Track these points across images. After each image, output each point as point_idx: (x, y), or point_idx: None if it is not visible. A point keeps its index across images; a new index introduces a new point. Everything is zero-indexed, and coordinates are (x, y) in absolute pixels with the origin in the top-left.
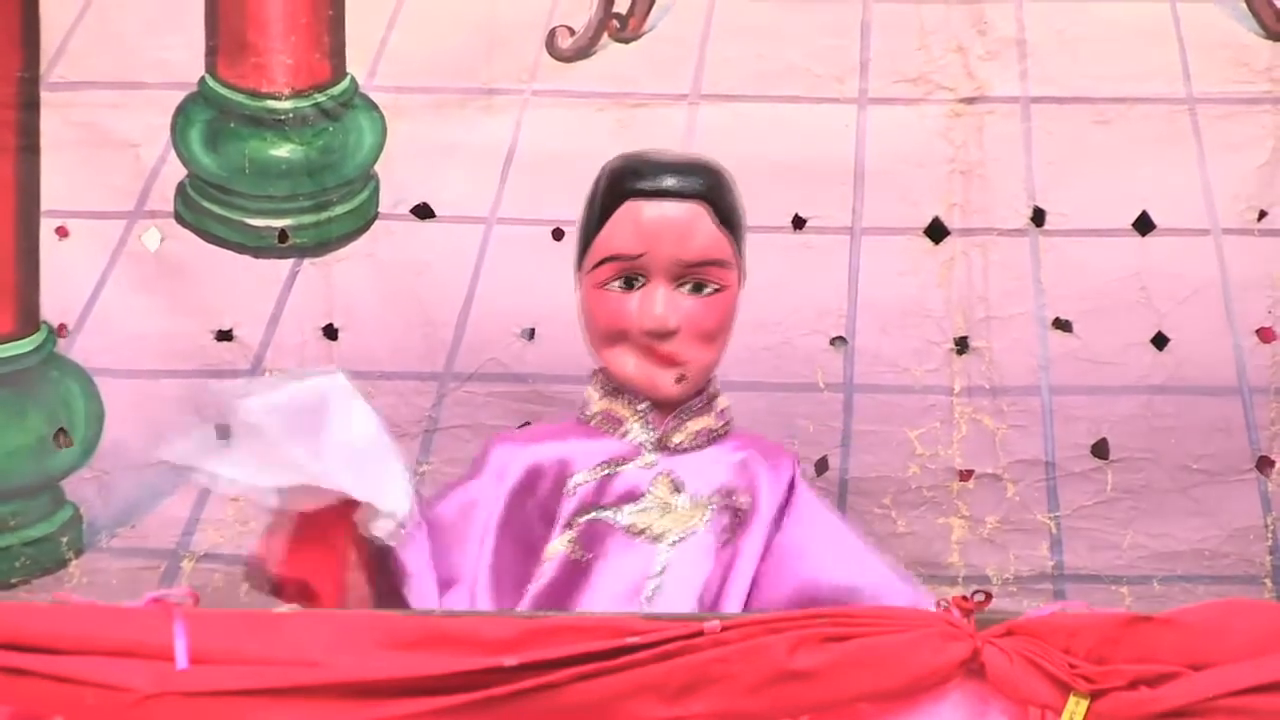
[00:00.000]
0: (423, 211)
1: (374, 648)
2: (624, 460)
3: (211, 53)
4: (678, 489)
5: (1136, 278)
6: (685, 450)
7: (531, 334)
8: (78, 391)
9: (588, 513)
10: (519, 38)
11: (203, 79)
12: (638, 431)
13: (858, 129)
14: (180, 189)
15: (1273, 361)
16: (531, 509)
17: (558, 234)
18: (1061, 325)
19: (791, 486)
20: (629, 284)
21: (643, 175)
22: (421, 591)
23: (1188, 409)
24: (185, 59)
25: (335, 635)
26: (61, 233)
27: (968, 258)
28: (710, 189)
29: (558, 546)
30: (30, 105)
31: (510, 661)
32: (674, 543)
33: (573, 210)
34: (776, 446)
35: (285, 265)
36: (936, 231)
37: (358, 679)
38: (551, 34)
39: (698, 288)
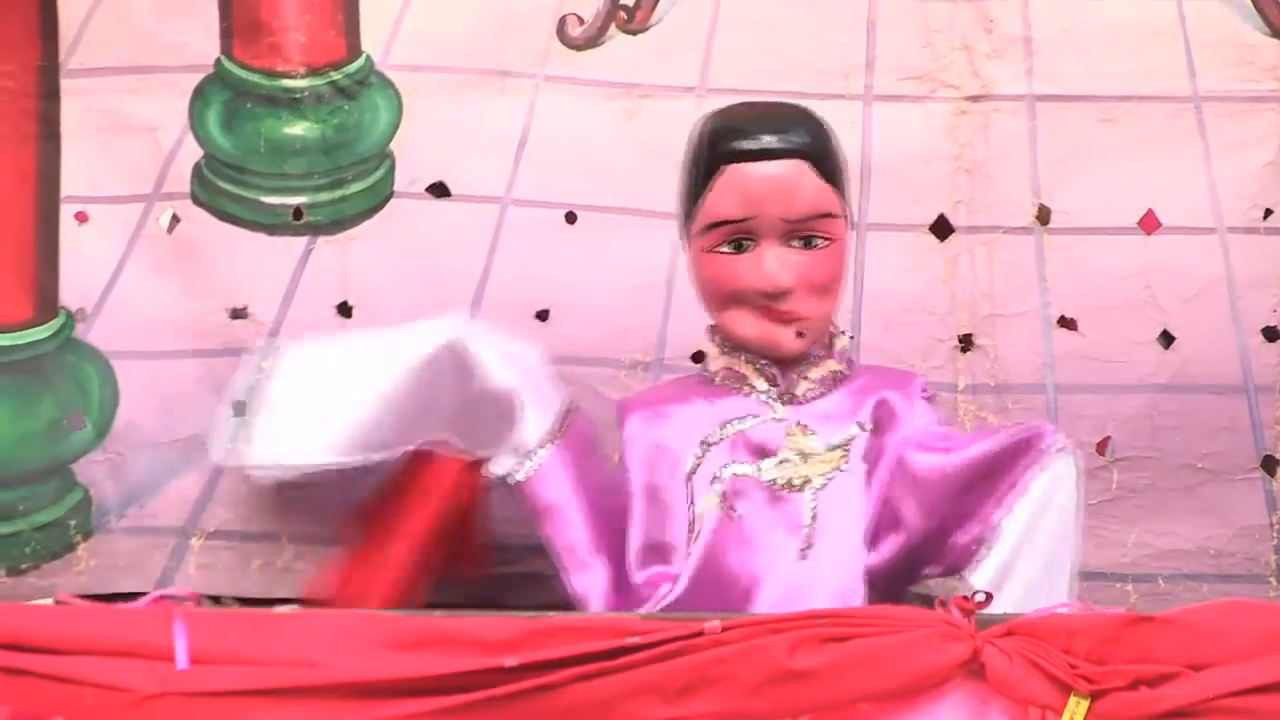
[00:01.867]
0: (439, 190)
1: (374, 648)
2: (754, 415)
3: (226, 34)
4: (812, 436)
5: (1142, 276)
6: (812, 399)
7: (545, 315)
8: (94, 375)
9: (727, 469)
10: (531, 22)
11: (219, 60)
12: (763, 388)
13: (863, 126)
14: (196, 170)
15: (1278, 360)
16: (667, 471)
17: (571, 217)
18: (1066, 323)
19: (919, 408)
20: (738, 246)
21: (741, 136)
22: (569, 528)
23: (1193, 408)
24: (201, 41)
25: (335, 635)
26: (81, 218)
27: (972, 255)
28: (810, 143)
29: (710, 502)
30: (51, 94)
31: (510, 661)
32: (819, 489)
33: (586, 196)
34: (901, 372)
35: (300, 243)
36: (942, 228)
37: (358, 679)
38: (562, 21)
39: (807, 243)
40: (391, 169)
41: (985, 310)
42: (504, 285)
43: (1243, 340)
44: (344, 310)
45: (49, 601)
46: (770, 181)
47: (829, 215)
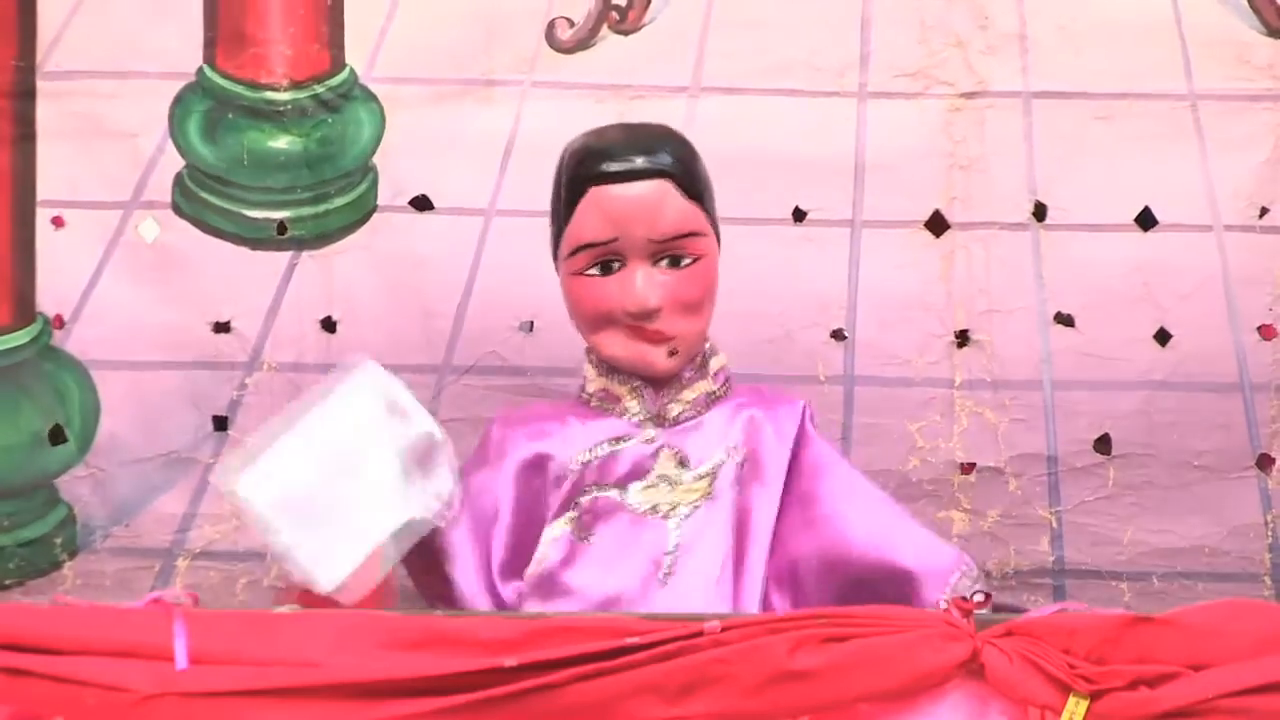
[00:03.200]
0: (421, 203)
1: (374, 648)
2: (625, 438)
3: (210, 43)
4: (682, 463)
5: (1138, 273)
6: (686, 420)
7: (531, 326)
8: (74, 384)
9: (590, 492)
10: (518, 28)
11: (201, 69)
12: (635, 409)
13: (857, 123)
14: (178, 180)
15: (1274, 359)
16: (539, 488)
17: None
18: (1063, 320)
19: (802, 435)
20: (606, 268)
21: (603, 159)
22: (467, 571)
23: (1189, 405)
24: (183, 49)
25: (335, 635)
26: (58, 223)
27: (968, 251)
28: (673, 163)
29: (559, 528)
30: (26, 94)
31: (510, 662)
32: (685, 517)
33: None
34: (779, 394)
35: (284, 257)
36: (937, 225)
37: (358, 679)
38: (551, 25)
39: (675, 261)
40: (375, 182)
41: (982, 306)
42: (489, 297)
43: (1239, 337)
44: (328, 325)
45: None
46: (633, 203)
47: (695, 234)
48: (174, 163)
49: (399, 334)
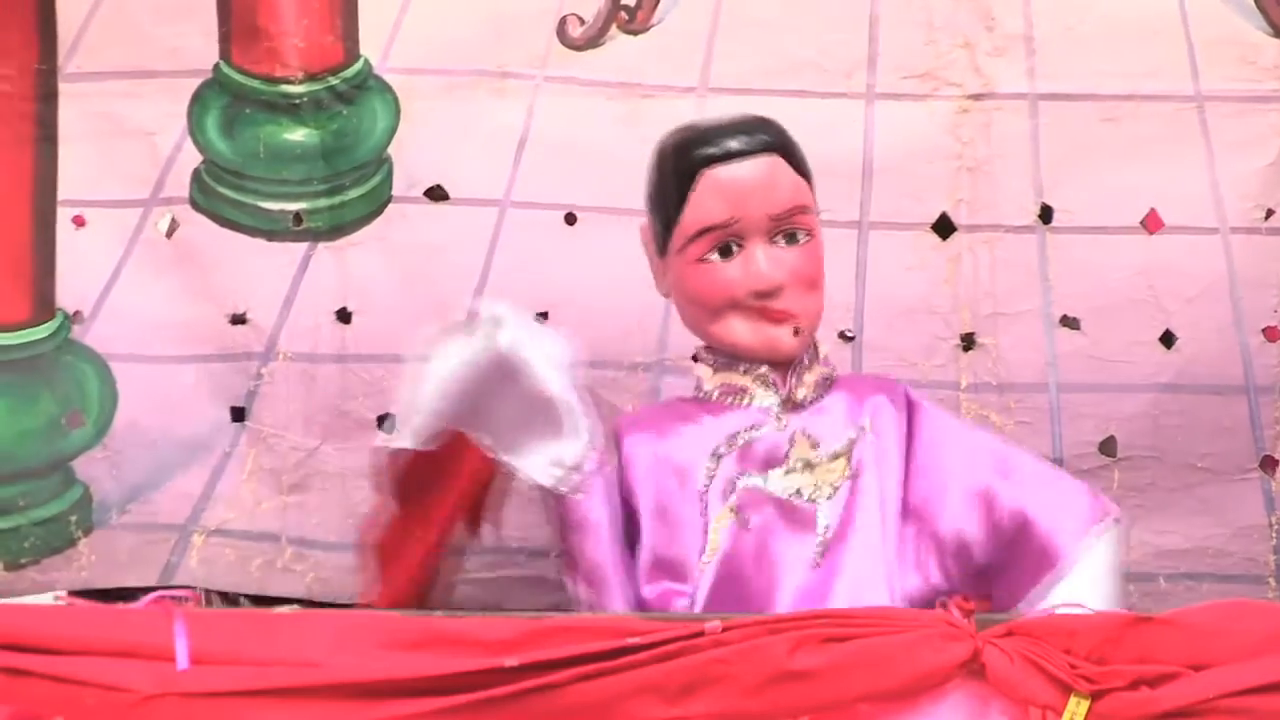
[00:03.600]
0: (436, 194)
1: (374, 648)
2: (757, 427)
3: (225, 39)
4: (816, 444)
5: (1144, 275)
6: (810, 404)
7: (545, 318)
8: (92, 375)
9: (739, 482)
10: (531, 24)
11: (217, 65)
12: (762, 396)
13: (865, 124)
14: (195, 175)
15: (1279, 361)
16: (675, 487)
17: (570, 219)
18: (1069, 323)
19: (910, 409)
20: (725, 252)
21: (710, 142)
22: (601, 545)
23: (1195, 408)
24: (199, 46)
25: (336, 636)
26: (78, 222)
27: (975, 254)
28: (778, 139)
29: (724, 519)
30: (48, 97)
31: (511, 662)
32: (829, 498)
33: (585, 197)
34: (882, 378)
35: (299, 249)
36: (944, 227)
37: (358, 679)
38: (562, 22)
39: (791, 238)
40: (390, 174)
41: (987, 309)
42: (503, 288)
43: (1244, 340)
44: (343, 316)
45: (50, 596)
46: (749, 180)
47: (807, 209)
48: (192, 159)
49: (414, 324)
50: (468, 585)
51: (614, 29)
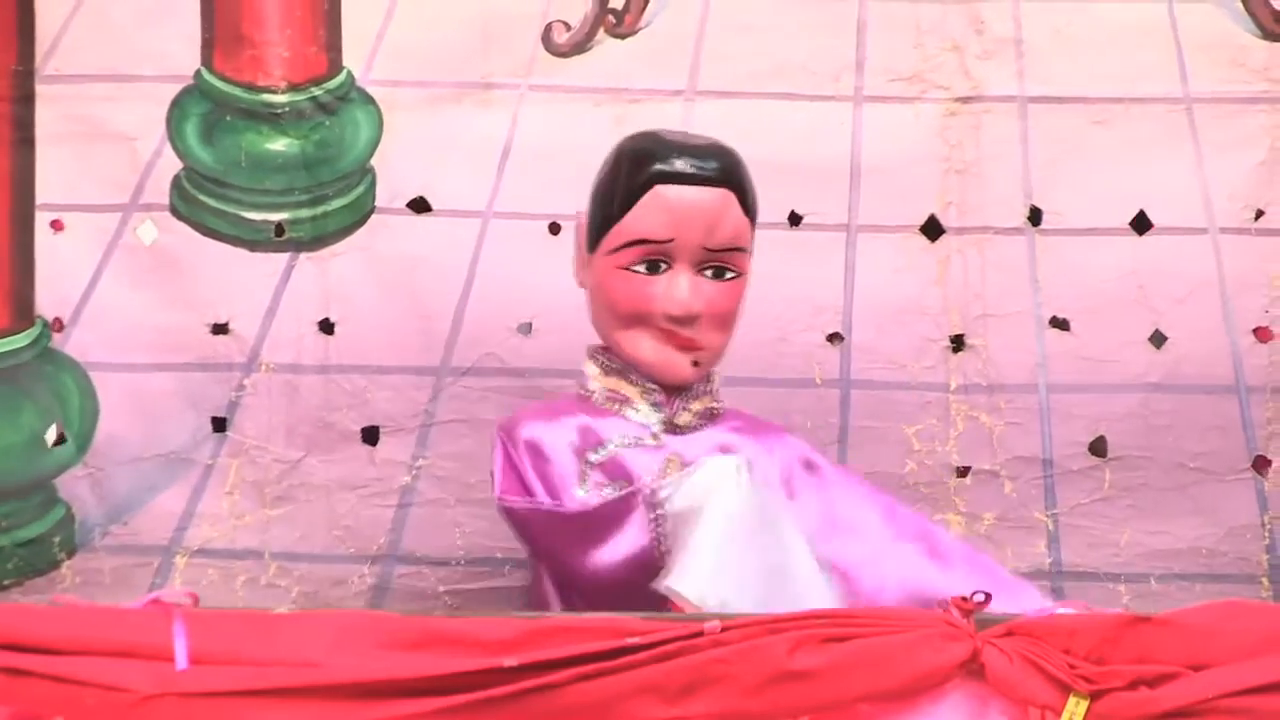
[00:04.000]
0: (419, 205)
1: (374, 648)
2: (634, 440)
3: (207, 45)
4: (685, 468)
5: (1134, 276)
6: (689, 430)
7: (529, 328)
8: (73, 386)
9: (598, 489)
10: (515, 32)
11: (199, 72)
12: (646, 412)
13: (853, 127)
14: (176, 182)
15: (1269, 361)
16: (561, 477)
17: (554, 228)
18: (1058, 323)
19: (808, 464)
20: (652, 268)
21: (672, 159)
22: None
23: (1185, 408)
24: (181, 52)
25: (335, 636)
26: (57, 226)
27: (964, 256)
28: (736, 175)
29: (585, 492)
30: (25, 99)
31: (510, 662)
32: None
33: (570, 205)
34: (768, 424)
35: (282, 259)
36: (933, 229)
37: (357, 679)
38: (548, 29)
39: (719, 273)
40: (372, 185)
41: (977, 311)
42: (486, 299)
43: (1234, 340)
44: (325, 327)
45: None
46: (698, 207)
47: (743, 250)
48: (172, 165)
49: (396, 335)
50: (453, 596)
51: (601, 33)
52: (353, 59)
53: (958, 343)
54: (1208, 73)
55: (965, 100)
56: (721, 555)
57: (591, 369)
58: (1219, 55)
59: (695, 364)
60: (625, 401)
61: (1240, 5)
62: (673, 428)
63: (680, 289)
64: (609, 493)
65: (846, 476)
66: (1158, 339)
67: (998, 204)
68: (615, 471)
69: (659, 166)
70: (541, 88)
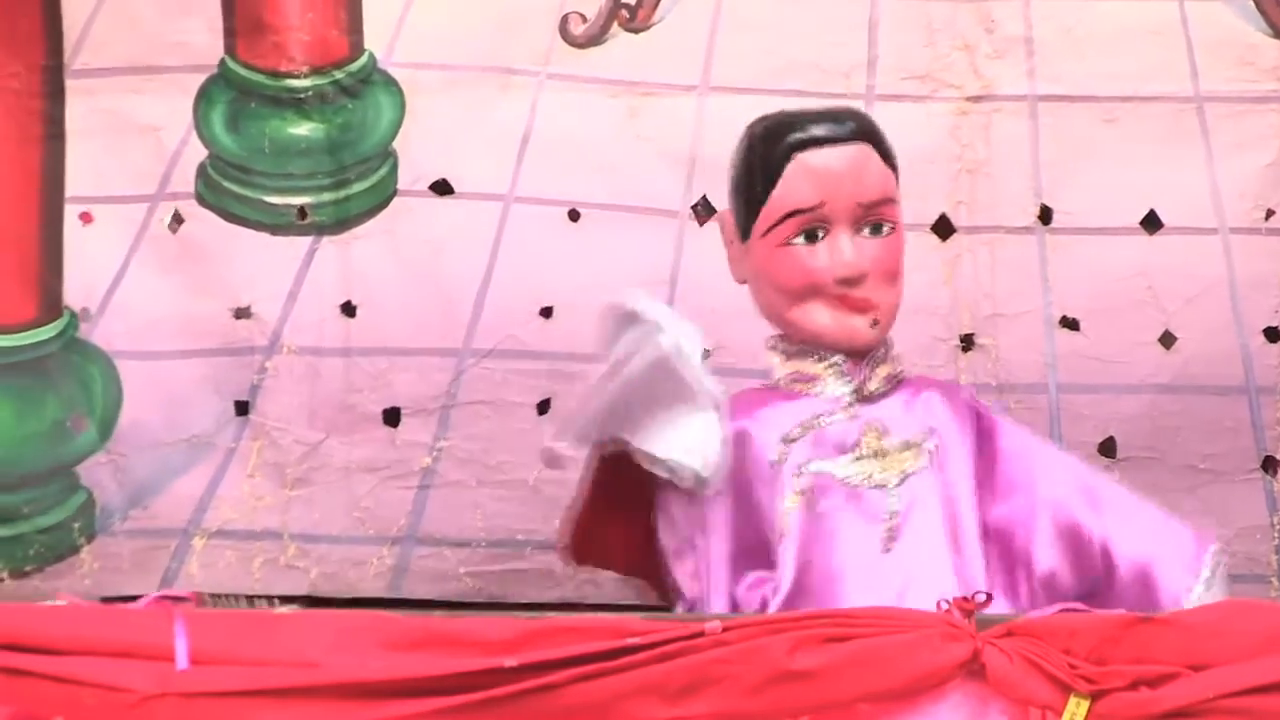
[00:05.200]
0: (441, 188)
1: (374, 648)
2: (828, 415)
3: (230, 34)
4: (886, 434)
5: (1144, 276)
6: (880, 396)
7: (550, 312)
8: (98, 376)
9: (805, 469)
10: (534, 21)
11: (223, 60)
12: (835, 385)
13: None
14: (201, 170)
15: (1279, 361)
16: (751, 472)
17: (574, 215)
18: (1068, 323)
19: (984, 420)
20: (811, 237)
21: (803, 128)
22: (724, 545)
23: (1194, 408)
24: (205, 41)
25: (335, 636)
26: (85, 218)
27: (974, 255)
28: (869, 128)
29: (792, 503)
30: (55, 94)
31: (510, 662)
32: (897, 485)
33: (587, 193)
34: (949, 384)
35: (304, 243)
36: (943, 228)
37: (358, 679)
38: (565, 19)
39: (876, 229)
40: (394, 168)
41: (987, 310)
42: (507, 283)
43: (1244, 341)
44: (348, 309)
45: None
46: (841, 166)
47: (894, 200)
48: (197, 154)
49: (418, 318)
50: (473, 578)
51: (615, 27)
52: (374, 42)
53: (967, 342)
54: (1218, 72)
55: (976, 99)
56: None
57: (773, 359)
58: (1229, 54)
59: (874, 323)
60: (813, 379)
61: (1251, 4)
62: (864, 397)
63: (844, 250)
64: (813, 469)
65: (1019, 433)
66: (1168, 339)
67: (1008, 203)
68: (815, 450)
69: (794, 136)
70: (559, 76)
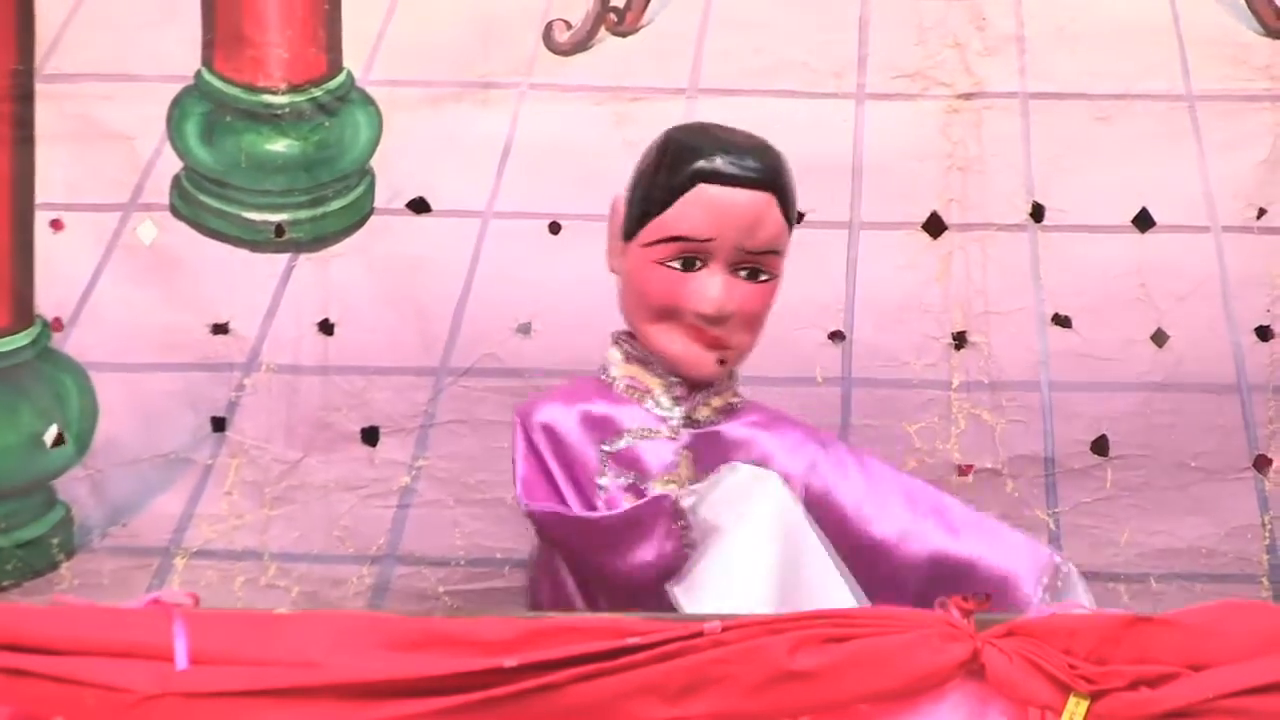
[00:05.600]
0: (418, 206)
1: (373, 648)
2: (651, 431)
3: (208, 46)
4: (698, 465)
5: (1136, 274)
6: (706, 425)
7: (528, 329)
8: (72, 386)
9: (613, 477)
10: (515, 31)
11: (199, 72)
12: (666, 406)
13: (856, 124)
14: (176, 182)
15: (1271, 359)
16: (580, 464)
17: (554, 228)
18: (1061, 321)
19: (824, 447)
20: (688, 265)
21: (717, 158)
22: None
23: (1187, 406)
24: (181, 52)
25: (335, 636)
26: (57, 226)
27: (966, 253)
28: (779, 178)
29: (605, 480)
30: (25, 98)
31: (510, 662)
32: None
33: (570, 204)
34: (785, 417)
35: (281, 260)
36: (935, 226)
37: (357, 680)
38: (549, 27)
39: (753, 274)
40: (372, 185)
41: (979, 308)
42: (485, 300)
43: (1236, 339)
44: (325, 327)
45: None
46: (739, 208)
47: (779, 253)
48: (172, 165)
49: (396, 336)
50: (452, 597)
51: (603, 31)
52: (353, 59)
53: (960, 340)
54: (1210, 70)
55: (967, 97)
56: (734, 573)
57: (615, 355)
58: (1221, 52)
59: (721, 362)
60: (646, 392)
61: (1243, 2)
62: (690, 422)
63: (714, 289)
64: (623, 481)
65: (866, 460)
66: (1160, 337)
67: (1000, 201)
68: (630, 463)
69: (703, 165)
70: (542, 86)
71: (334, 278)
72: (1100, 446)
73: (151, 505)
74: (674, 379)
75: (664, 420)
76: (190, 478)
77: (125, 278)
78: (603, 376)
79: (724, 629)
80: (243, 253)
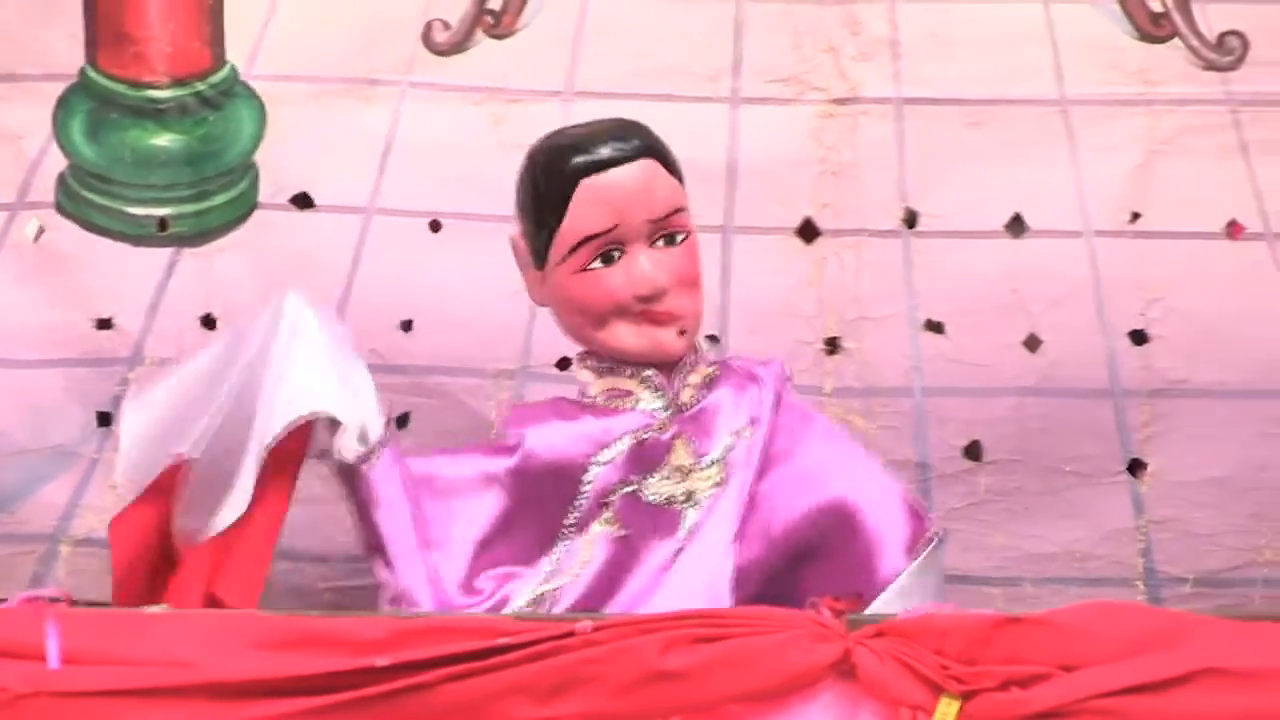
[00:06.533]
0: (302, 201)
1: (246, 648)
2: (643, 430)
3: (91, 43)
4: (695, 451)
5: (1009, 279)
6: (695, 405)
7: (409, 326)
8: None
9: (618, 490)
10: (396, 29)
11: (83, 69)
12: (649, 399)
13: (730, 128)
14: (61, 179)
15: (1144, 364)
16: (551, 490)
17: (435, 226)
18: (933, 326)
19: (778, 398)
20: (607, 259)
21: (585, 150)
22: (395, 523)
23: (1060, 411)
24: (66, 50)
25: (207, 635)
26: None
27: (840, 258)
28: (650, 142)
29: (598, 528)
30: None
31: (381, 662)
32: (699, 504)
33: (450, 203)
34: (759, 362)
35: (165, 254)
36: (808, 232)
37: (230, 679)
38: (428, 27)
39: (670, 240)
40: (256, 180)
41: (852, 313)
42: (369, 296)
43: (1110, 343)
44: (208, 322)
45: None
46: (630, 185)
47: (682, 209)
48: (58, 163)
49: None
50: (332, 593)
51: (479, 33)
52: (236, 54)
53: (833, 346)
54: (1085, 74)
55: (841, 102)
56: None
57: (586, 375)
58: (1096, 57)
59: (681, 333)
60: (627, 396)
61: (1118, 6)
62: (679, 408)
63: (642, 268)
64: (612, 531)
65: (794, 405)
66: (1033, 342)
67: (873, 206)
68: (629, 466)
69: (576, 161)
70: (422, 85)
71: (217, 272)
72: (973, 452)
73: (38, 495)
74: (648, 372)
75: (653, 415)
76: (77, 470)
77: (11, 277)
78: (585, 398)
79: (595, 629)
80: (126, 248)
